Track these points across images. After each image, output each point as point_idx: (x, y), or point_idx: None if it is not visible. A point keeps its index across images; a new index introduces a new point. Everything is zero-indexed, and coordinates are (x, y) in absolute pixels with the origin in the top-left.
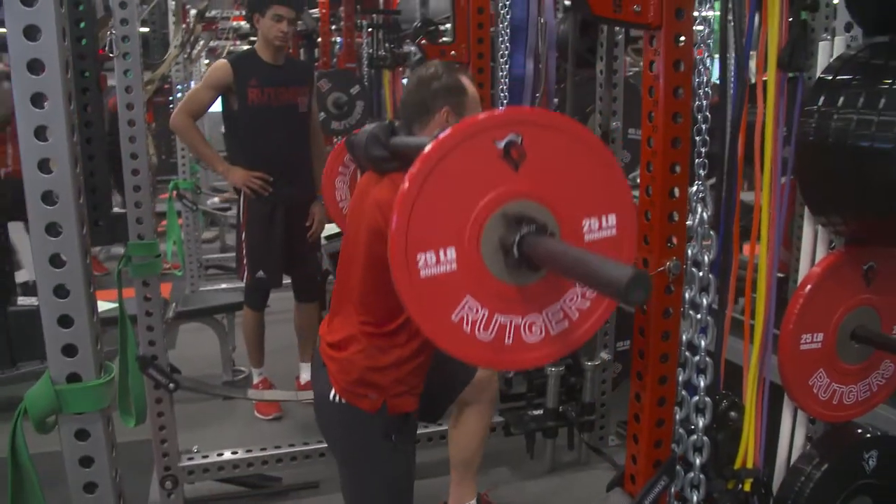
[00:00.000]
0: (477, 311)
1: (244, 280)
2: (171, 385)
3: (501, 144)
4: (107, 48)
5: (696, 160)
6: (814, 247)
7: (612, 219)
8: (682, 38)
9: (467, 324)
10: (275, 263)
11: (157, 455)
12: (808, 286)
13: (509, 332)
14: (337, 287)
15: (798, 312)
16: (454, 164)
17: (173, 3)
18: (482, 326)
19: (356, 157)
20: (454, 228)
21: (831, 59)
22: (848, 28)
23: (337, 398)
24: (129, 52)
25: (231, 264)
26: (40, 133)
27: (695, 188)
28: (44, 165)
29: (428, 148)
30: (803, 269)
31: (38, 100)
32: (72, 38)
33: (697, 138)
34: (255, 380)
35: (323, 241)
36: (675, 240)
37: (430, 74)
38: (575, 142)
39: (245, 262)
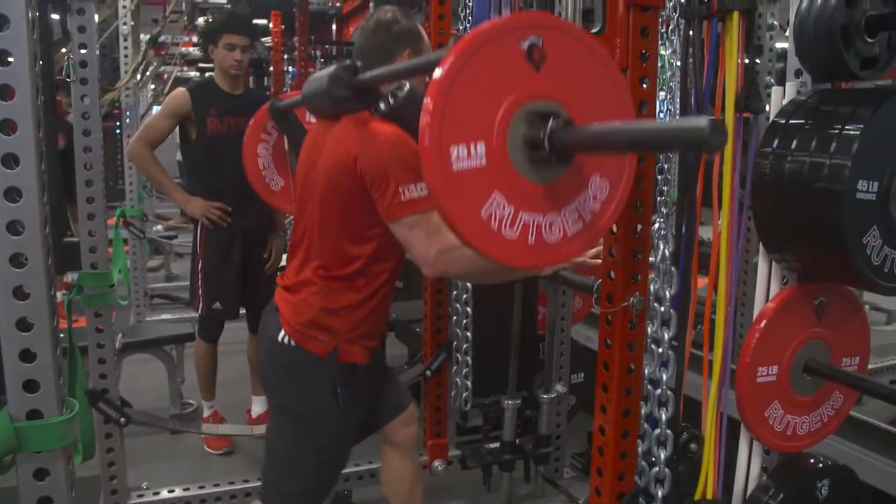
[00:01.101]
0: (504, 207)
1: (199, 311)
2: (122, 419)
3: (525, 45)
4: (64, 72)
5: (658, 198)
6: (768, 281)
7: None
8: (647, 81)
9: (495, 220)
10: (232, 295)
11: (106, 492)
12: (764, 321)
13: (532, 231)
14: (293, 238)
15: (754, 346)
16: (484, 60)
17: (125, 27)
18: (508, 224)
19: (311, 104)
20: (484, 124)
21: (784, 103)
22: (798, 74)
23: (287, 339)
24: (87, 77)
25: (177, 294)
26: (8, 161)
27: (656, 225)
28: (11, 194)
29: (456, 47)
30: (758, 303)
31: (6, 126)
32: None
33: (659, 177)
34: (206, 413)
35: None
36: (639, 276)
37: (390, 18)
38: (587, 49)
39: (201, 293)
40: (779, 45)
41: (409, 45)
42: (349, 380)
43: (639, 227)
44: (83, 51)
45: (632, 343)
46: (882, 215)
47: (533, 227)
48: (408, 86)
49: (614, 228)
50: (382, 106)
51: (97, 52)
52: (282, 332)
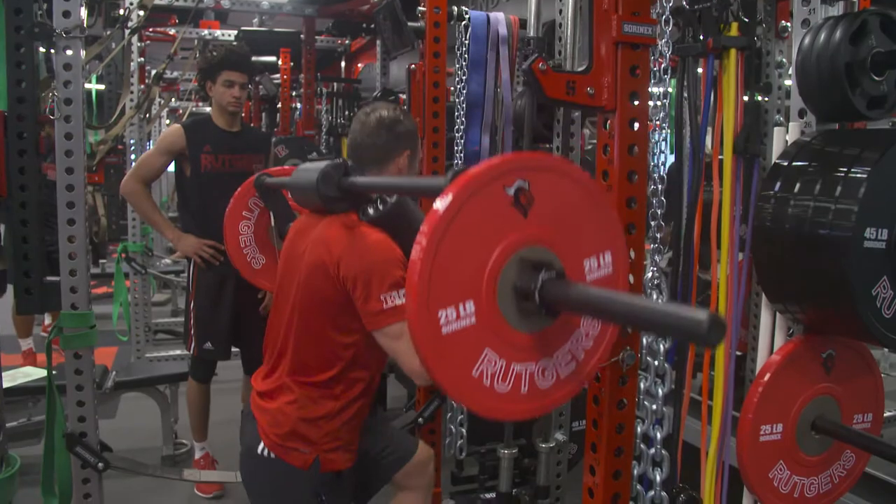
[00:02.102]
0: (495, 363)
1: (191, 351)
2: (101, 465)
3: (511, 191)
4: (48, 110)
5: (652, 245)
6: (772, 332)
7: (608, 256)
8: (637, 123)
9: (487, 377)
10: (223, 335)
11: None
12: (768, 375)
13: (525, 381)
14: (268, 336)
15: (757, 402)
16: (468, 216)
17: (133, 64)
18: (500, 378)
19: (298, 196)
20: (472, 281)
21: (786, 145)
22: (801, 114)
23: (266, 452)
24: (70, 115)
25: (181, 329)
26: None
27: (650, 274)
28: None
29: (441, 206)
30: (761, 355)
31: None
32: (13, 99)
33: (653, 223)
34: (198, 454)
35: None
36: (629, 329)
37: (392, 118)
38: (574, 183)
39: (193, 332)
40: (787, 82)
41: (409, 147)
42: (332, 487)
43: (630, 275)
44: (68, 88)
45: (622, 400)
46: (893, 265)
47: (525, 376)
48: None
49: None
50: (371, 211)
51: (83, 90)
52: (261, 445)
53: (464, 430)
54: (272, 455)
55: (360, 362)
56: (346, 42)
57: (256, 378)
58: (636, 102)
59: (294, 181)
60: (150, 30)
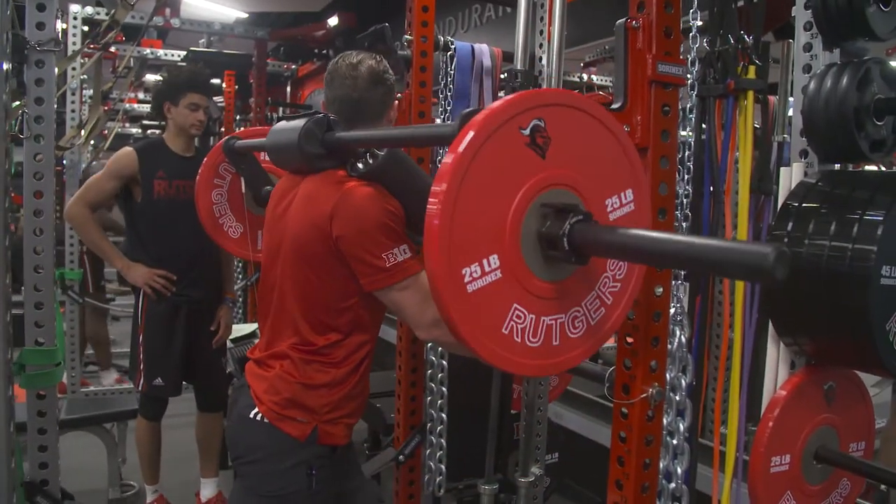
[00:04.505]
0: (524, 317)
1: (139, 388)
2: None
3: (527, 131)
4: (17, 128)
5: (674, 282)
6: (776, 367)
7: (630, 194)
8: (667, 161)
9: (517, 334)
10: (174, 371)
11: None
12: (777, 409)
13: (556, 333)
14: (261, 309)
15: (769, 435)
16: (484, 163)
17: (74, 81)
18: (531, 333)
19: (276, 157)
20: (494, 233)
21: (792, 185)
22: (802, 154)
23: (259, 416)
24: (42, 134)
25: (118, 361)
26: None
27: (672, 311)
28: None
29: (455, 154)
30: (767, 390)
31: None
32: None
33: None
34: (150, 497)
35: (229, 345)
36: (655, 364)
37: (382, 68)
38: (590, 119)
39: (142, 367)
40: None
41: (393, 99)
42: (326, 462)
43: (659, 312)
44: (40, 105)
45: (648, 437)
46: None
47: (556, 328)
48: None
49: (632, 314)
50: (361, 165)
51: (55, 108)
52: (255, 410)
53: (443, 467)
54: (265, 420)
55: (359, 326)
56: (294, 67)
57: (253, 350)
58: (667, 140)
59: (271, 142)
60: (91, 46)
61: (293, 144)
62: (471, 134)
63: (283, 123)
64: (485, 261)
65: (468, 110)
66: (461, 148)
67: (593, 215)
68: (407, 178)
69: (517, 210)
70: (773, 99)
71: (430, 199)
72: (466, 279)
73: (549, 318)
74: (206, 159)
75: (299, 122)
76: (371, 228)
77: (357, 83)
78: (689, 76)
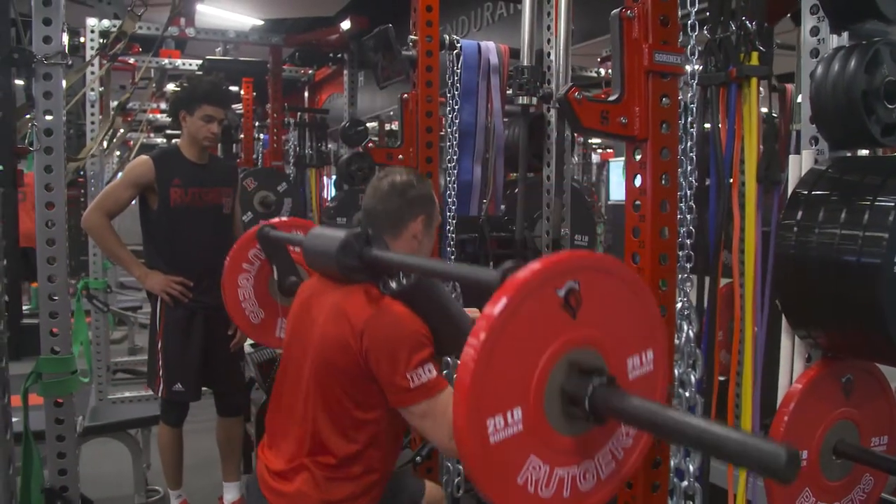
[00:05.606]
0: (539, 469)
1: (160, 394)
2: None
3: (562, 293)
4: (27, 141)
5: (680, 276)
6: (791, 360)
7: (650, 354)
8: (668, 151)
9: (531, 485)
10: (194, 376)
11: None
12: (792, 403)
13: (567, 485)
14: (276, 407)
15: (784, 430)
16: (520, 320)
17: (92, 93)
18: (544, 484)
19: (311, 259)
20: (520, 386)
21: (802, 173)
22: (813, 142)
23: None
24: (52, 146)
25: (141, 367)
26: None
27: (679, 305)
28: None
29: (497, 308)
30: (782, 384)
31: None
32: None
33: (681, 253)
34: (174, 502)
35: (248, 349)
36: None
37: (405, 182)
38: (620, 281)
39: (161, 374)
40: None
41: (424, 211)
42: None
43: (664, 306)
44: (49, 118)
45: (655, 483)
46: None
47: (568, 480)
48: None
49: None
50: (393, 285)
51: (64, 120)
52: None
53: (461, 467)
54: None
55: (379, 442)
56: (310, 72)
57: (263, 449)
58: (667, 131)
59: (309, 245)
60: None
61: (330, 253)
62: (512, 292)
63: (321, 229)
64: (509, 413)
65: (510, 265)
66: (501, 306)
67: (616, 379)
68: (437, 302)
69: (545, 367)
70: (790, 87)
71: (467, 349)
72: (490, 430)
73: (563, 471)
74: (237, 243)
75: (339, 234)
76: (400, 348)
77: (377, 194)
78: (690, 66)
